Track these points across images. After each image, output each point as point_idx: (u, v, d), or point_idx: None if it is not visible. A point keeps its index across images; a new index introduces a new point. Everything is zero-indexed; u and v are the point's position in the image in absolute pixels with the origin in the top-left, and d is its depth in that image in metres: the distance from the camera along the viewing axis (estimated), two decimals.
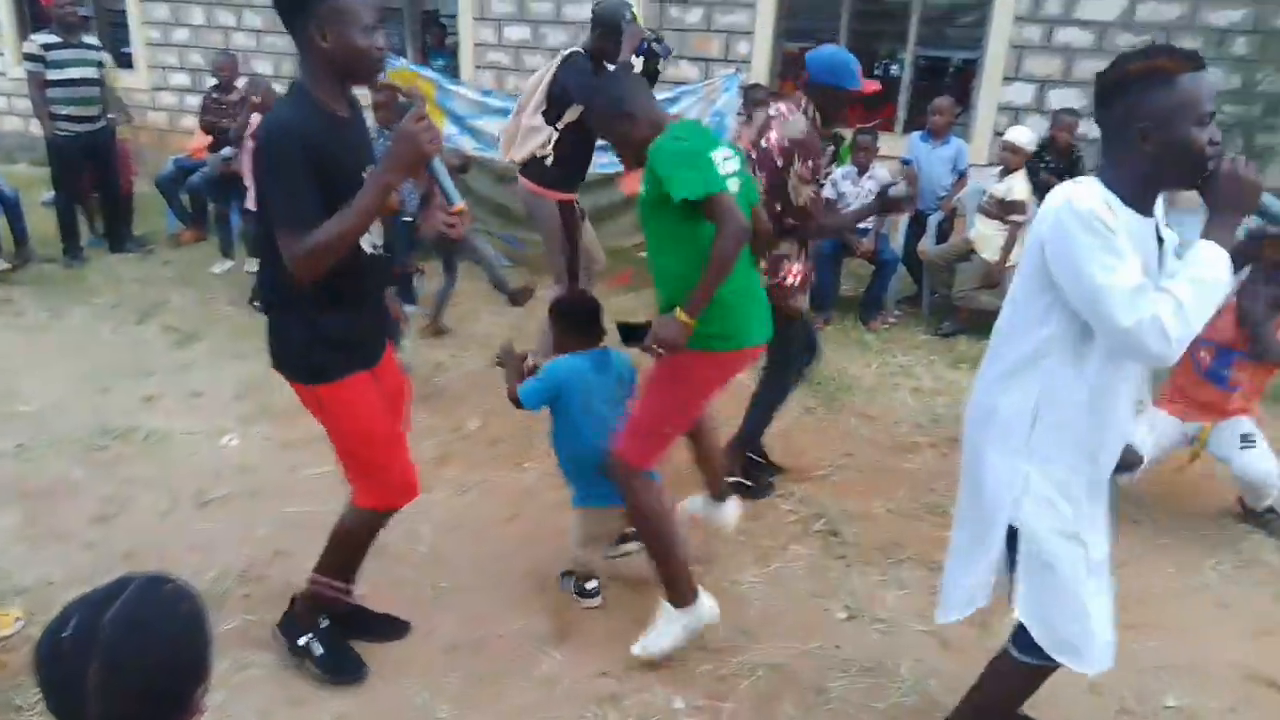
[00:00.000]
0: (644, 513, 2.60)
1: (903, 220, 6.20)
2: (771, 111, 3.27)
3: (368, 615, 2.75)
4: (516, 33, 8.56)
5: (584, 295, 3.23)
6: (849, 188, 5.78)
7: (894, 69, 7.88)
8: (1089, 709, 2.57)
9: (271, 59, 9.40)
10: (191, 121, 9.48)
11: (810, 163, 3.15)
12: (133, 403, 4.33)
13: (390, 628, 2.76)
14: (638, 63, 4.05)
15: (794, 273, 3.33)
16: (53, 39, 6.13)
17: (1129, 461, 3.09)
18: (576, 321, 2.87)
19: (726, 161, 2.50)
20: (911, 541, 3.35)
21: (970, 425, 2.09)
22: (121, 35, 9.91)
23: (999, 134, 6.29)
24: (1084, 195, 1.79)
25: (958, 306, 5.82)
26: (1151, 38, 6.86)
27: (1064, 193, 1.82)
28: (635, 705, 2.51)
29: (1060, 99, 6.74)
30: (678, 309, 2.42)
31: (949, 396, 4.71)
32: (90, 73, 6.26)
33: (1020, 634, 2.08)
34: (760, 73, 7.70)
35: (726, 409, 3.56)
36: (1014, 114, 6.99)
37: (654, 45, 4.08)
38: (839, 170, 5.91)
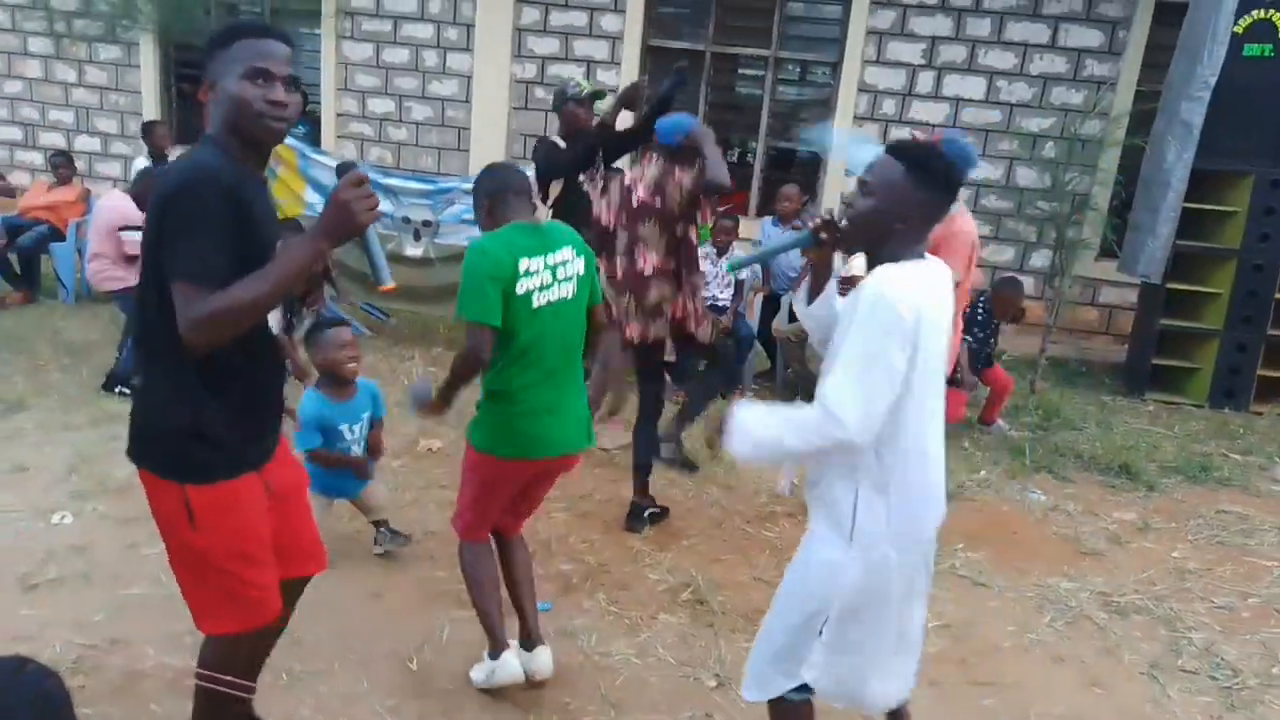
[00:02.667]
0: (463, 572, 2.85)
1: (758, 300, 6.50)
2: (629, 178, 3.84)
3: None
4: (380, 105, 8.56)
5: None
6: (708, 268, 6.03)
7: (748, 158, 8.33)
8: None
9: (115, 117, 9.02)
10: (21, 178, 8.94)
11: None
12: None
13: None
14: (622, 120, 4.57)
15: (678, 309, 3.93)
16: None
17: None
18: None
19: (530, 276, 2.60)
20: None
21: (809, 499, 2.17)
22: None
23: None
24: (895, 284, 1.90)
25: (812, 381, 6.09)
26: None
27: (877, 276, 1.94)
28: None
29: None
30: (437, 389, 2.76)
31: (801, 468, 4.91)
32: None
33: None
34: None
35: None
36: None
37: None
38: (700, 249, 6.15)
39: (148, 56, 8.84)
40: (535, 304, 2.60)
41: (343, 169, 1.87)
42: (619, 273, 3.87)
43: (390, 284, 1.96)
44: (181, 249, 1.78)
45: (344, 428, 3.48)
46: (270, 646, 2.38)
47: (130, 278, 5.06)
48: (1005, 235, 7.81)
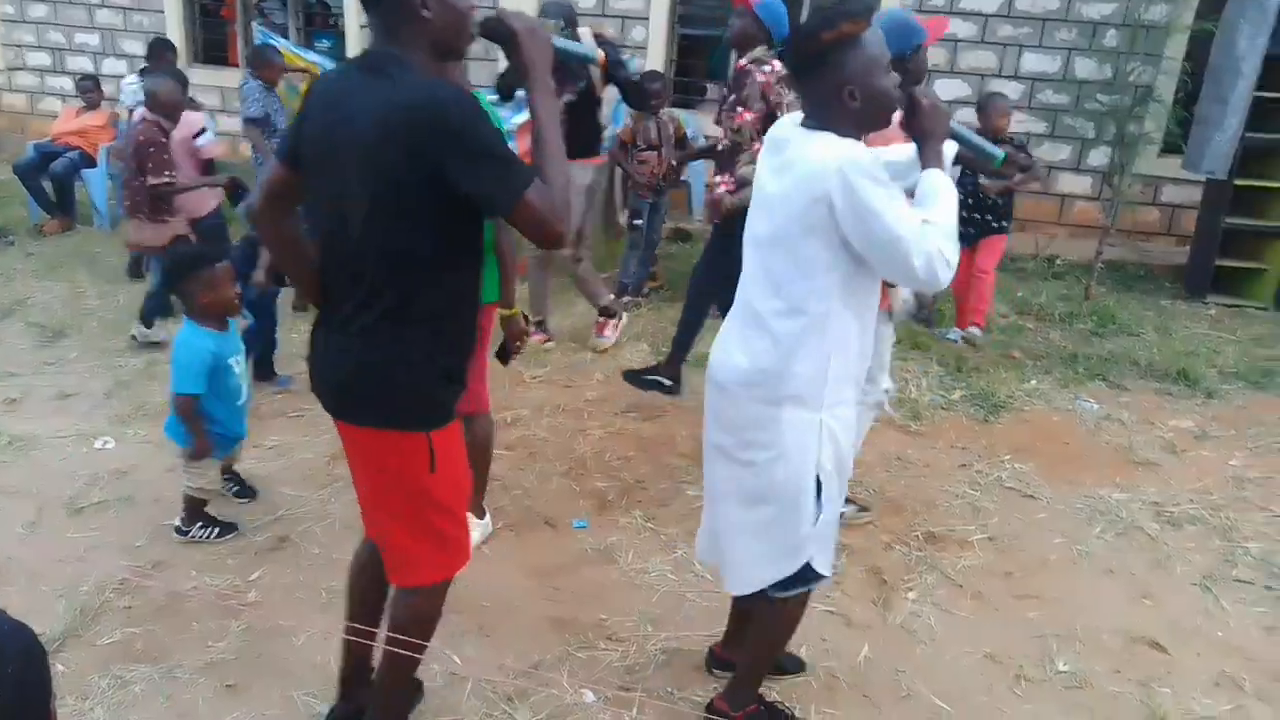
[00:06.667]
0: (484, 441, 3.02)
1: None
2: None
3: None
4: None
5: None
6: None
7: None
8: (986, 677, 2.65)
9: (141, 38, 8.90)
10: (52, 104, 8.92)
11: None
12: None
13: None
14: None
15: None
16: None
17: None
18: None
19: None
20: None
21: (743, 400, 2.08)
22: None
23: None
24: (858, 150, 1.89)
25: None
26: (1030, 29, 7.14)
27: (837, 150, 1.88)
28: (543, 701, 2.46)
29: (944, 89, 6.95)
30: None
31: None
32: None
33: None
34: (656, 58, 7.69)
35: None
36: None
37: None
38: None
39: None
40: None
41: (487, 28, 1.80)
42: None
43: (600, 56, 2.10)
44: (505, 166, 1.70)
45: (233, 360, 3.14)
46: None
47: (166, 230, 4.56)
48: (1061, 132, 7.40)
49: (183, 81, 4.80)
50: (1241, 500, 3.74)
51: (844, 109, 1.93)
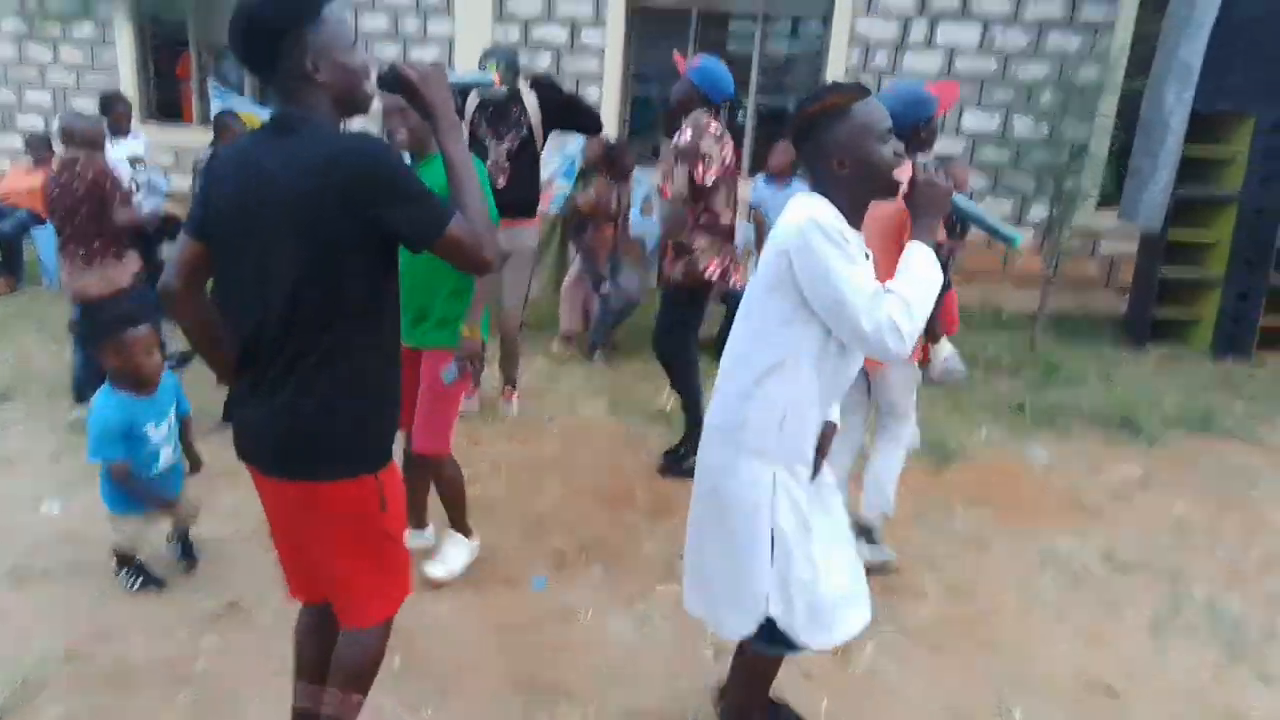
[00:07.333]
0: (454, 484, 3.31)
1: (752, 261, 6.39)
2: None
3: None
4: None
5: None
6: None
7: (739, 116, 8.18)
8: None
9: (94, 96, 8.86)
10: (0, 163, 8.81)
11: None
12: None
13: None
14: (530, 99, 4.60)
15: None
16: None
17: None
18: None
19: None
20: None
21: (714, 445, 2.16)
22: None
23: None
24: (823, 210, 1.96)
25: None
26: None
27: (805, 208, 1.97)
28: None
29: None
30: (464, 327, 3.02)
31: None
32: None
33: (763, 627, 2.15)
34: (611, 117, 7.84)
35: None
36: None
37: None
38: None
39: (123, 33, 8.66)
40: None
41: (383, 80, 1.86)
42: (720, 220, 4.02)
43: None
44: (426, 202, 1.77)
45: (149, 427, 3.07)
46: None
47: (123, 270, 4.37)
48: (1002, 187, 7.67)
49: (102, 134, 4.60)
50: (1187, 545, 3.84)
51: (834, 176, 2.01)
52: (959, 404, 5.30)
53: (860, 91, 2.01)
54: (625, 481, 4.17)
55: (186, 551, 3.32)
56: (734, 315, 5.22)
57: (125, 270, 4.40)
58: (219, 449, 3.96)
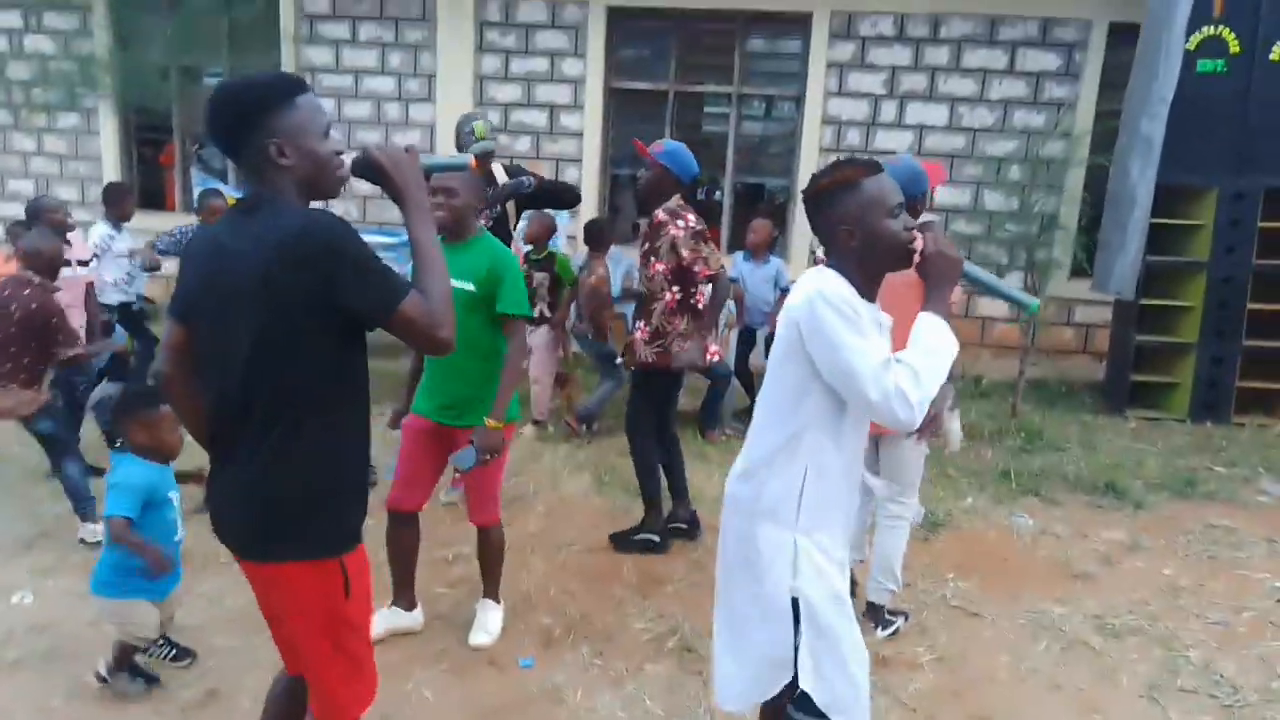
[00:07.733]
0: (498, 551, 3.45)
1: (733, 335, 6.45)
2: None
3: None
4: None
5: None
6: None
7: (716, 194, 8.35)
8: None
9: (77, 185, 8.95)
10: None
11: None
12: None
13: None
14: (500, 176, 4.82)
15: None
16: None
17: None
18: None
19: None
20: None
21: (736, 515, 2.15)
22: None
23: (813, 252, 6.73)
24: (833, 282, 1.99)
25: None
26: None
27: (815, 281, 2.00)
28: None
29: None
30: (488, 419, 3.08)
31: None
32: None
33: (801, 699, 2.08)
34: (590, 198, 7.98)
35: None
36: None
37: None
38: None
39: (107, 123, 8.79)
40: None
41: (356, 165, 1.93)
42: (702, 303, 4.14)
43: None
44: (382, 278, 1.79)
45: (171, 494, 3.04)
46: None
47: (30, 400, 4.12)
48: (976, 259, 7.82)
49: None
50: (1178, 609, 3.82)
51: (844, 248, 2.04)
52: (944, 472, 5.31)
53: (872, 167, 2.03)
54: (611, 558, 4.12)
55: (178, 650, 3.16)
56: (717, 389, 5.33)
57: (32, 400, 4.16)
58: (197, 532, 3.92)
